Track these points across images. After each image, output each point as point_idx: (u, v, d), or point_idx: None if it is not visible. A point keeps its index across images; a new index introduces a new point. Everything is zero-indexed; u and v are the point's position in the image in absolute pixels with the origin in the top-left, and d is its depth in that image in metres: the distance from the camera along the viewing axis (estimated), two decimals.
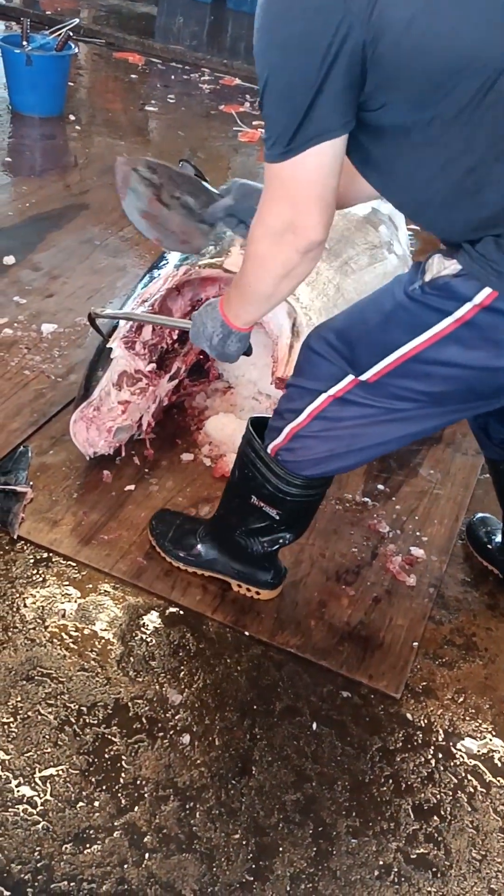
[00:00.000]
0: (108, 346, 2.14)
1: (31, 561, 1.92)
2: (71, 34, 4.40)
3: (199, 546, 1.94)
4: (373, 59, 1.15)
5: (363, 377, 1.47)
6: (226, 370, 2.51)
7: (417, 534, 2.19)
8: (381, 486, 2.32)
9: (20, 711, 1.61)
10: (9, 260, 3.05)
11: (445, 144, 1.21)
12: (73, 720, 1.61)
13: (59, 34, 4.38)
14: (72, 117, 4.61)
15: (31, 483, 2.10)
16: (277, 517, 1.77)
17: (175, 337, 2.27)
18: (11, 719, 1.59)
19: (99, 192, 3.74)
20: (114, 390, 2.08)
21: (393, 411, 1.50)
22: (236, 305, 1.55)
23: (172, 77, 5.80)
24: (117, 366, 2.10)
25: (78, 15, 6.41)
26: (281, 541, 1.83)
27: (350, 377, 1.50)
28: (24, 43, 4.35)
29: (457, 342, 1.33)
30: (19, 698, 1.63)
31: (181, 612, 1.87)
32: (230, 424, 2.32)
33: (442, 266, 1.31)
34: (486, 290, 1.25)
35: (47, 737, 1.57)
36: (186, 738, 1.62)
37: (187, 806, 1.51)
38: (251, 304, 1.53)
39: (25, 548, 1.95)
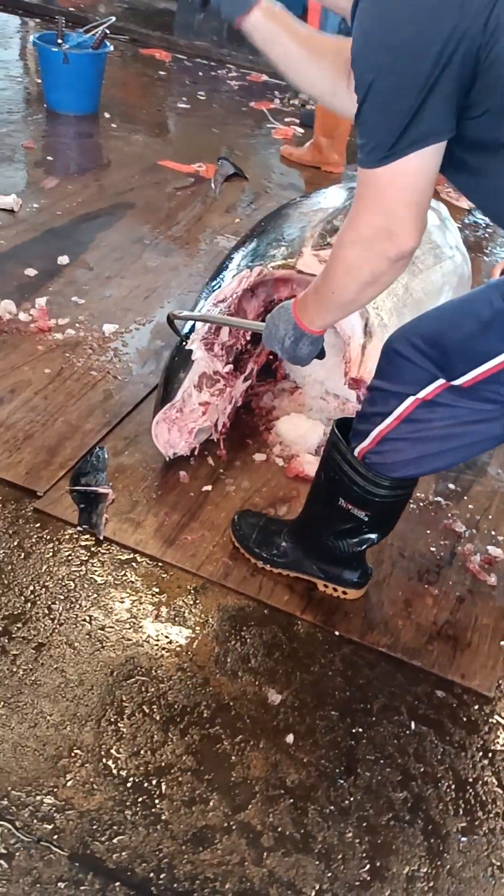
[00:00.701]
0: (186, 347, 2.15)
1: (119, 562, 1.94)
2: (108, 32, 4.39)
3: (284, 546, 1.95)
4: (486, 63, 1.16)
5: (456, 382, 1.48)
6: (292, 370, 2.52)
7: (492, 533, 2.20)
8: (451, 486, 2.33)
9: (125, 711, 1.62)
10: (63, 260, 3.05)
11: None
12: (177, 720, 1.63)
13: (95, 32, 4.38)
14: (106, 115, 4.61)
15: (111, 484, 2.11)
16: (366, 518, 1.78)
17: (248, 338, 2.28)
18: (118, 718, 1.61)
19: (143, 191, 3.75)
20: (195, 392, 2.10)
21: (481, 412, 1.51)
22: (313, 310, 1.56)
23: (200, 73, 5.80)
24: (198, 367, 2.11)
25: (96, 10, 6.40)
26: (368, 541, 1.85)
27: (440, 381, 1.50)
28: (60, 41, 4.35)
29: None
30: (124, 698, 1.64)
31: (271, 612, 1.88)
32: (302, 424, 2.33)
33: None
34: None
35: (155, 736, 1.59)
36: (290, 738, 1.63)
37: (299, 805, 1.53)
38: (329, 310, 1.54)
39: (111, 548, 1.96)
